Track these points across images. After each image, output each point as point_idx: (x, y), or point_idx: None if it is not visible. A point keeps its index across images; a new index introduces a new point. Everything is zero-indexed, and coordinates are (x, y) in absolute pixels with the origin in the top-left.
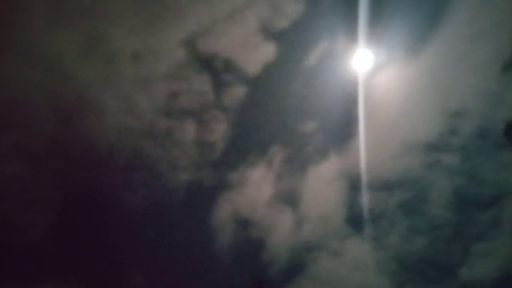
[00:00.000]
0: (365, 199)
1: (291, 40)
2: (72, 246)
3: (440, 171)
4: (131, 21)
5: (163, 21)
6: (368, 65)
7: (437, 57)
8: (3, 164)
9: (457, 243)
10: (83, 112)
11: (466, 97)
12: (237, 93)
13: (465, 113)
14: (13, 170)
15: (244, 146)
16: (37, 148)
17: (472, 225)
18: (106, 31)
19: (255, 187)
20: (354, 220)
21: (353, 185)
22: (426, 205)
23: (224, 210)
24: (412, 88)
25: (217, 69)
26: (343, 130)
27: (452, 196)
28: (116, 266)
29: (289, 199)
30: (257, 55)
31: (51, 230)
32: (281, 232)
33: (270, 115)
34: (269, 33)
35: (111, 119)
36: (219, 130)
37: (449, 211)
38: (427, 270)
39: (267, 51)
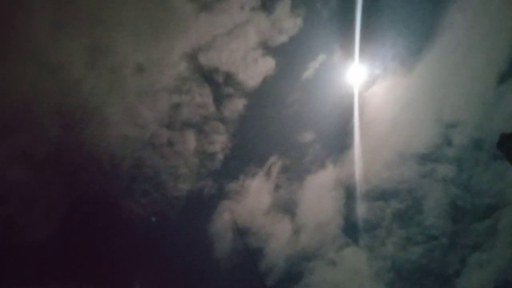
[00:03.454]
0: (361, 209)
1: (289, 55)
2: (74, 252)
3: (436, 182)
4: (136, 34)
5: (167, 35)
6: (364, 78)
7: (432, 69)
8: (7, 168)
9: (453, 253)
10: (87, 121)
11: (461, 108)
12: (237, 105)
13: (460, 124)
14: (17, 175)
15: (244, 156)
16: (41, 154)
17: (468, 235)
18: (111, 43)
19: (254, 197)
20: (351, 230)
21: (350, 194)
22: (422, 215)
23: (224, 219)
24: (407, 100)
25: (218, 82)
26: (339, 141)
27: (448, 206)
28: (117, 273)
29: (287, 208)
30: (256, 68)
31: (53, 235)
32: (279, 241)
33: (268, 126)
34: (268, 48)
35: (113, 129)
36: (219, 141)
37: (445, 221)
38: (424, 280)
39: (266, 65)
